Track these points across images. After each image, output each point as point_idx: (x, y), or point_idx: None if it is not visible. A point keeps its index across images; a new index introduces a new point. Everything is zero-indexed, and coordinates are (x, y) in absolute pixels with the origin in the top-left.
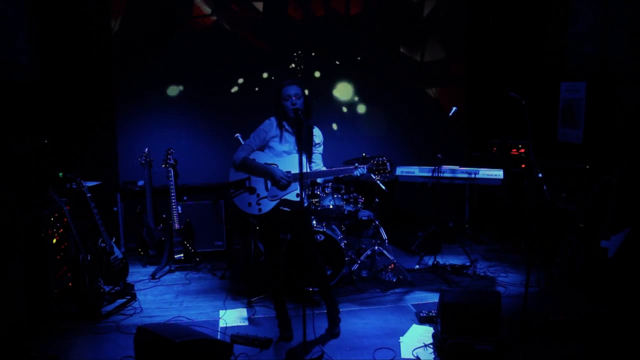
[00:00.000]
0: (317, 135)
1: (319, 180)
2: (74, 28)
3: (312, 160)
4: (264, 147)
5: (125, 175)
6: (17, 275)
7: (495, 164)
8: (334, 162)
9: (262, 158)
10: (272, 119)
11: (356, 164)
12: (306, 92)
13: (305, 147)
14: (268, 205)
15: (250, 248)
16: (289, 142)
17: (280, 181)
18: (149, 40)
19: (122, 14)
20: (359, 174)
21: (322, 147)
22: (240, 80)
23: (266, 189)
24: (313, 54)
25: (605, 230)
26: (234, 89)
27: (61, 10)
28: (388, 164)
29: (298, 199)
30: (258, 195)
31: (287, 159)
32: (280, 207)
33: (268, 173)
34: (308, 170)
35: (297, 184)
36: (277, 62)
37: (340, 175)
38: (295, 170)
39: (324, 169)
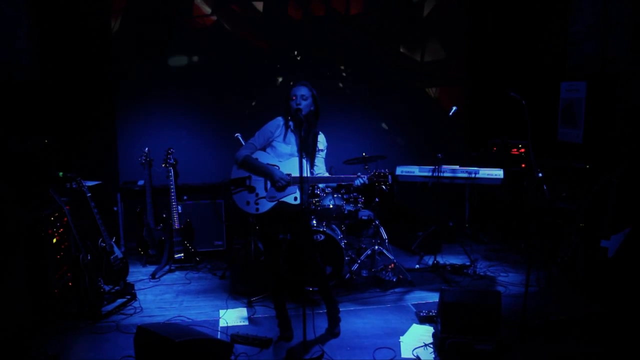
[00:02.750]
0: (322, 141)
1: (320, 185)
2: (74, 28)
3: (315, 164)
4: (266, 146)
5: (125, 175)
6: (19, 275)
7: (495, 163)
8: (334, 162)
9: (265, 158)
10: (279, 118)
11: (359, 174)
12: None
13: (308, 151)
14: (265, 206)
15: (250, 248)
16: (292, 143)
17: (279, 182)
18: (149, 40)
19: (122, 14)
20: (359, 184)
21: (325, 152)
22: (240, 80)
23: (265, 189)
24: (311, 54)
25: (605, 230)
26: (234, 89)
27: (61, 10)
28: (390, 176)
29: (295, 202)
30: (257, 194)
31: (289, 162)
32: (277, 208)
33: (268, 173)
34: (309, 174)
35: (295, 187)
36: (277, 62)
37: (343, 183)
38: (296, 173)
39: (326, 174)
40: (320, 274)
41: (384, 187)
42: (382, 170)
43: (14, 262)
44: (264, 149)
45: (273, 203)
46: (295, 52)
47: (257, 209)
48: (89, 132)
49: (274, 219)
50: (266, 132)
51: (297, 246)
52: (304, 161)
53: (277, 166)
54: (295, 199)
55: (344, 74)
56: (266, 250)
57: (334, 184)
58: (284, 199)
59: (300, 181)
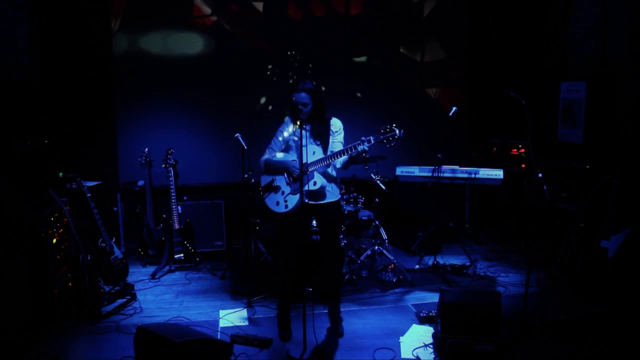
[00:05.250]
0: (334, 124)
1: (337, 165)
2: (74, 28)
3: (331, 148)
4: (287, 148)
5: (125, 175)
6: (20, 275)
7: (495, 164)
8: None
9: (282, 158)
10: (287, 119)
11: (362, 138)
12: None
13: (321, 139)
14: (294, 200)
15: (250, 248)
16: (303, 137)
17: (294, 172)
18: (149, 40)
19: (122, 14)
20: (366, 148)
21: (342, 135)
22: (240, 80)
23: (288, 184)
24: (311, 54)
25: (605, 230)
26: (234, 89)
27: (61, 10)
28: (397, 129)
29: (315, 187)
30: (283, 192)
31: (304, 151)
32: (305, 200)
33: (284, 167)
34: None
35: (312, 173)
36: (277, 62)
37: (352, 154)
38: (310, 159)
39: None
40: (337, 271)
41: (383, 187)
42: (388, 126)
43: (16, 262)
44: (286, 151)
45: (299, 195)
46: (296, 52)
47: (287, 206)
48: (89, 132)
49: (304, 215)
50: (279, 134)
51: (301, 245)
52: (318, 148)
53: (295, 160)
54: (315, 183)
55: (343, 74)
56: (286, 251)
57: (347, 157)
58: (308, 187)
59: (301, 168)
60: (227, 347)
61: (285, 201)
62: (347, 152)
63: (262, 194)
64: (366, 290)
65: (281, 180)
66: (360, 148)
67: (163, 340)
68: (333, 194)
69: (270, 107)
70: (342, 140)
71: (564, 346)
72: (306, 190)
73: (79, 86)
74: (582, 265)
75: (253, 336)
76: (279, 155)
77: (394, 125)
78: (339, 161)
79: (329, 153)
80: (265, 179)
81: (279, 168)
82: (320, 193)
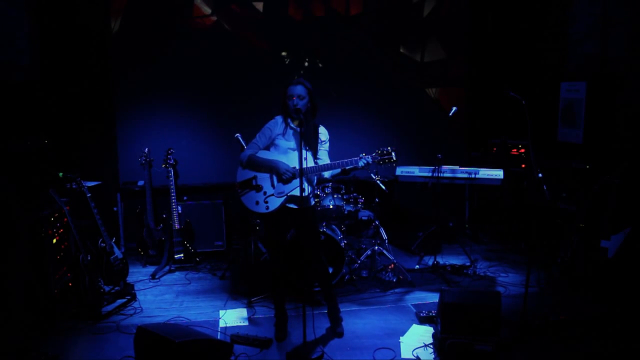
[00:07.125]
0: (323, 133)
1: (326, 174)
2: (74, 28)
3: (318, 157)
4: (269, 145)
5: (125, 175)
6: (18, 275)
7: (495, 164)
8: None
9: (268, 156)
10: (277, 117)
11: (361, 155)
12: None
13: (310, 145)
14: (275, 203)
15: (250, 248)
16: (292, 139)
17: (284, 174)
18: (149, 40)
19: (122, 14)
20: (363, 164)
21: (328, 144)
22: (240, 80)
23: (272, 185)
24: (311, 55)
25: (605, 230)
26: (234, 89)
27: (61, 10)
28: (394, 153)
29: (305, 194)
30: (265, 193)
31: (291, 155)
32: (287, 204)
33: (273, 167)
34: (313, 165)
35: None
36: (277, 62)
37: (347, 167)
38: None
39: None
40: (324, 272)
41: (383, 187)
42: (386, 149)
43: (14, 262)
44: (267, 149)
45: (283, 198)
46: (296, 52)
47: (267, 207)
48: (89, 132)
49: (283, 216)
50: (266, 131)
51: (301, 244)
52: (308, 154)
53: (283, 162)
54: (303, 190)
55: (343, 74)
56: (270, 249)
57: (338, 169)
58: (293, 192)
59: (300, 173)
60: (227, 347)
61: (266, 202)
62: (345, 165)
63: (238, 190)
64: (366, 290)
65: (264, 180)
66: (360, 164)
67: (163, 340)
68: (311, 198)
69: (270, 107)
70: (327, 149)
71: (564, 346)
72: (293, 195)
73: (78, 86)
74: (582, 265)
75: (253, 336)
76: (261, 153)
77: (389, 148)
78: (329, 171)
79: (319, 162)
80: (243, 175)
81: (266, 167)
82: (307, 198)
